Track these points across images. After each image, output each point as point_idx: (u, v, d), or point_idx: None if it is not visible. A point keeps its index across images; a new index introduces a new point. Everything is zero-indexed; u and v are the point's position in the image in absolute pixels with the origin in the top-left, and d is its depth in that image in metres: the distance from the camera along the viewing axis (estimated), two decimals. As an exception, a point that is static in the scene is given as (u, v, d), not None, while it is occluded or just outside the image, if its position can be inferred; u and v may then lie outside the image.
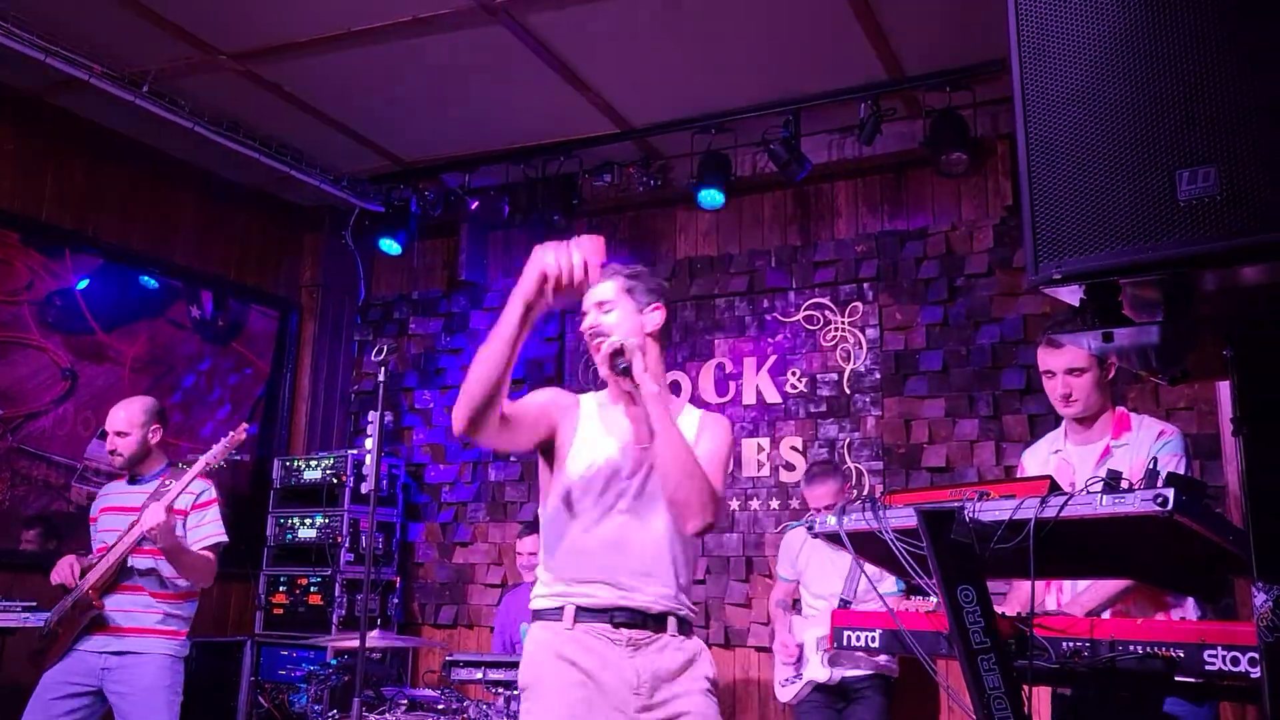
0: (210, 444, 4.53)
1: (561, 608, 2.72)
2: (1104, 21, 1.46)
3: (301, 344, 7.32)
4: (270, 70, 5.59)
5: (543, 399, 2.95)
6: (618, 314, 2.88)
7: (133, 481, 4.54)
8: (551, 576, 2.78)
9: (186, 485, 4.33)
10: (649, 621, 2.70)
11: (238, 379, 6.91)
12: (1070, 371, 3.41)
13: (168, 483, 4.42)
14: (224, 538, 4.52)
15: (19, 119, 5.76)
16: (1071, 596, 3.26)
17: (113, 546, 4.32)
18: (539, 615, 2.78)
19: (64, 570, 4.36)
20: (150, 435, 4.53)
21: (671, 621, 2.73)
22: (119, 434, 4.48)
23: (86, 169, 6.09)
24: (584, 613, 2.69)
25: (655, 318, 2.92)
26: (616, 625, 2.67)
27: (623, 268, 2.99)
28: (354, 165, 6.76)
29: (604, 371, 2.85)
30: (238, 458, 4.60)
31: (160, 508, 4.15)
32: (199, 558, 4.38)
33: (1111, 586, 3.12)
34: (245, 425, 4.52)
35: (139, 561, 4.33)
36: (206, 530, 4.46)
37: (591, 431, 2.86)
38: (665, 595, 2.73)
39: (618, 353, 2.77)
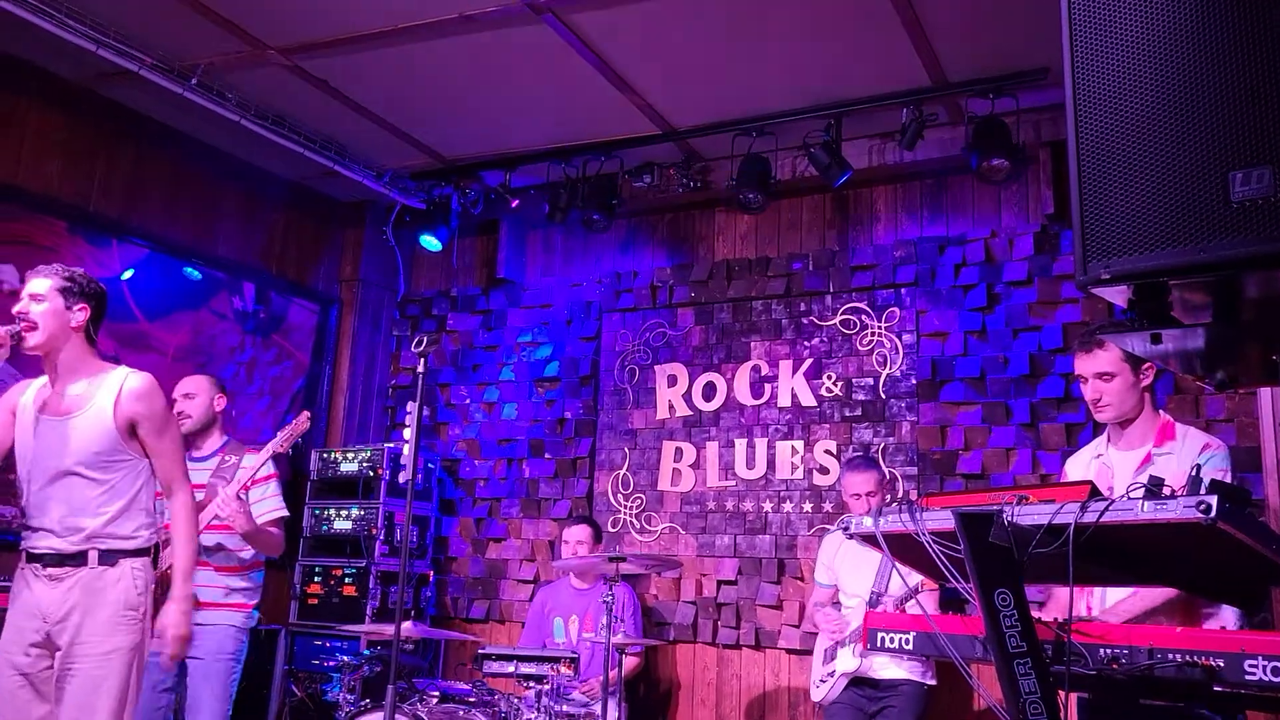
0: (254, 436, 4.67)
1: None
2: (1157, 21, 1.46)
3: (341, 338, 7.38)
4: (317, 65, 5.65)
5: None
6: (47, 308, 3.52)
7: (193, 458, 4.66)
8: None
9: (255, 472, 4.47)
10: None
11: (278, 371, 6.98)
12: (1100, 376, 3.40)
13: (228, 458, 4.57)
14: (284, 511, 4.69)
15: (70, 109, 5.84)
16: (1111, 604, 3.24)
17: None
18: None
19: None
20: (215, 402, 4.75)
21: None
22: (186, 395, 4.70)
23: (134, 160, 6.17)
24: None
25: (80, 317, 3.55)
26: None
27: (59, 271, 3.60)
28: (396, 161, 6.81)
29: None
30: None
31: (231, 497, 4.30)
32: (268, 534, 4.56)
33: (1151, 596, 3.10)
34: (307, 414, 4.64)
35: (204, 538, 4.44)
36: (267, 505, 4.63)
37: None
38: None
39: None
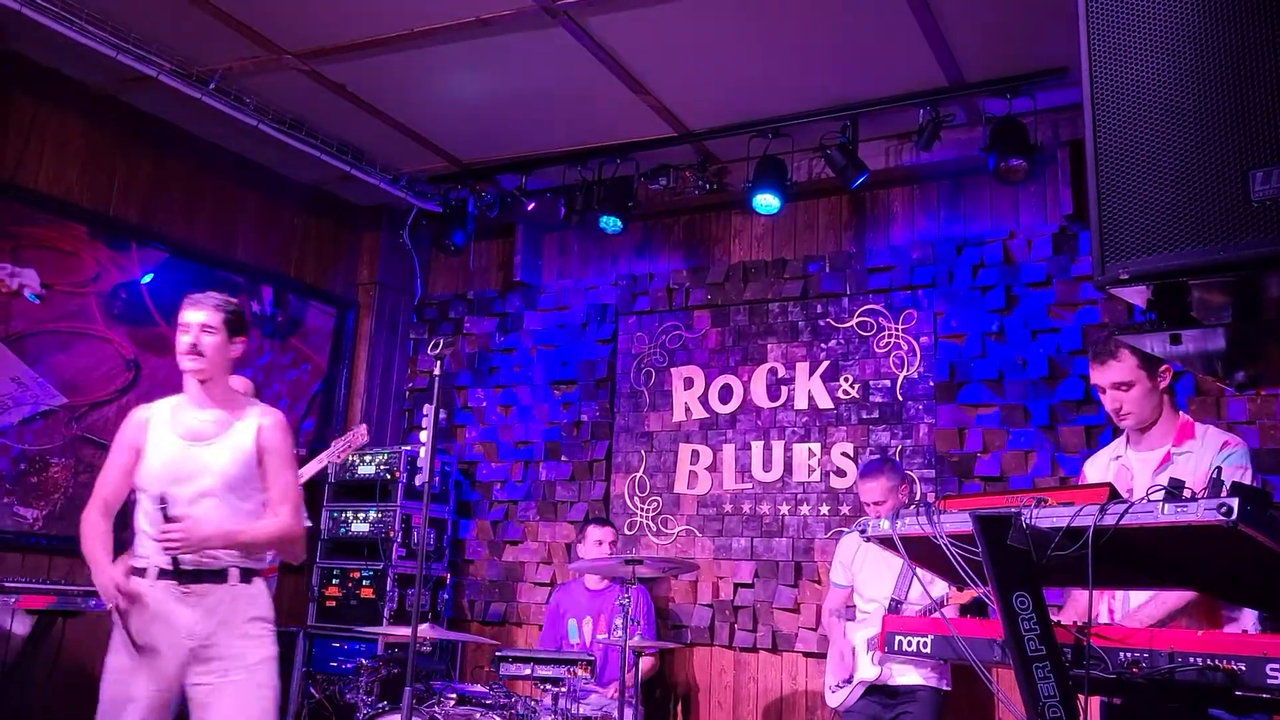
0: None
1: None
2: (1175, 19, 1.45)
3: (358, 341, 7.40)
4: (334, 70, 5.67)
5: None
6: (215, 340, 3.69)
7: None
8: None
9: (305, 478, 4.46)
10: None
11: (295, 374, 7.00)
12: (1118, 386, 3.37)
13: None
14: (307, 522, 4.65)
15: (89, 115, 5.88)
16: (1131, 608, 3.22)
17: None
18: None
19: None
20: None
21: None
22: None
23: (153, 165, 6.21)
24: None
25: (237, 350, 3.77)
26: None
27: (225, 301, 3.76)
28: (413, 165, 6.83)
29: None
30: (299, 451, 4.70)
31: None
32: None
33: (1173, 600, 3.07)
34: (365, 426, 4.63)
35: None
36: None
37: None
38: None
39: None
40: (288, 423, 3.79)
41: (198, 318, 3.62)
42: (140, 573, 3.53)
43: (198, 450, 3.61)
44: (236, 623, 3.54)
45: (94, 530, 3.58)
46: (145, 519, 3.57)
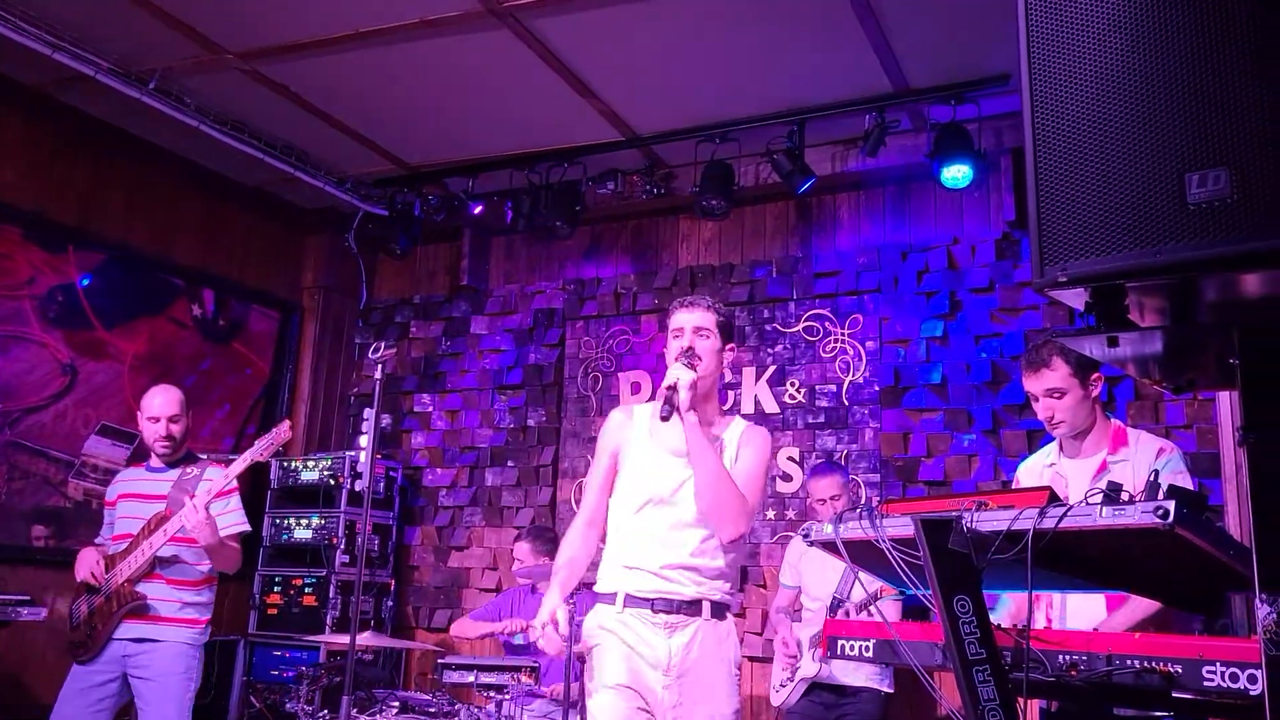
0: (215, 445, 4.56)
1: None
2: (1114, 24, 1.46)
3: (302, 345, 7.31)
4: (276, 70, 5.59)
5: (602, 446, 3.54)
6: (710, 344, 3.32)
7: (151, 469, 4.57)
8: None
9: (228, 481, 4.35)
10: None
11: (238, 379, 6.90)
12: (1050, 393, 3.40)
13: (189, 470, 4.47)
14: (246, 526, 4.59)
15: (26, 115, 5.75)
16: (1071, 612, 3.25)
17: (139, 536, 4.38)
18: None
19: (90, 567, 4.38)
20: (189, 420, 4.64)
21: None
22: (173, 419, 4.54)
23: (91, 166, 6.08)
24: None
25: (729, 357, 3.42)
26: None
27: (717, 303, 3.44)
28: (358, 168, 6.76)
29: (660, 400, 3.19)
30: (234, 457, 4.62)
31: (200, 508, 4.19)
32: (229, 548, 4.45)
33: (1141, 610, 3.09)
34: (288, 423, 4.54)
35: (161, 550, 4.36)
36: (230, 519, 4.50)
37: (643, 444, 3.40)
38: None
39: (672, 388, 3.15)
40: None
41: (695, 321, 3.35)
42: None
43: (681, 466, 3.34)
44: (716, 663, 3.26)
45: None
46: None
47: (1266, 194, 1.31)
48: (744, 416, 6.17)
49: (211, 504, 4.34)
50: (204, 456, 4.80)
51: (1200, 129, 1.36)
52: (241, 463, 4.37)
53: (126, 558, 4.35)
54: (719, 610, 3.23)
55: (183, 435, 4.59)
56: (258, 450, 4.39)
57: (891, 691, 4.80)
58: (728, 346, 3.38)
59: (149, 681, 4.33)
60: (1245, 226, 1.31)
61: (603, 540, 3.45)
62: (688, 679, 3.13)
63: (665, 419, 3.12)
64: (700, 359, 3.25)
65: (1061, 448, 3.54)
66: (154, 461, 4.61)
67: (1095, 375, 3.39)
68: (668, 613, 3.16)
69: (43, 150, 5.84)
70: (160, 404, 4.55)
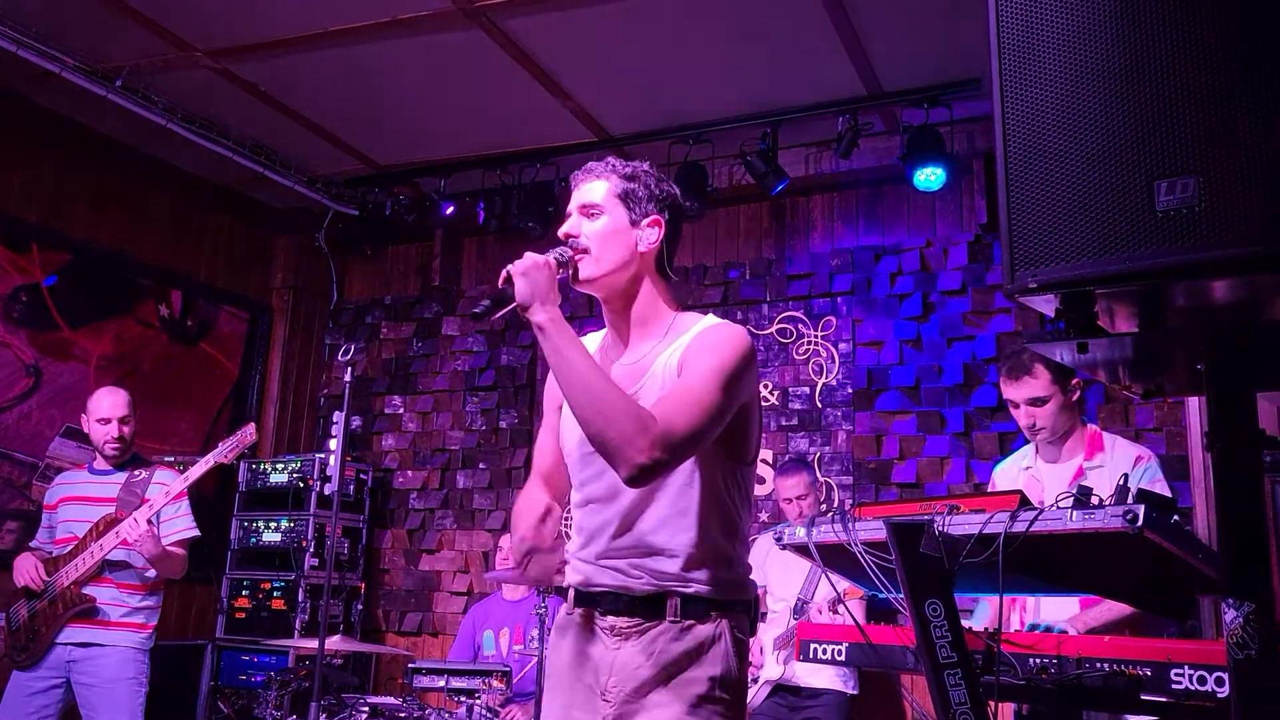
0: (180, 447, 4.51)
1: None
2: (1084, 30, 1.46)
3: (271, 346, 7.25)
4: (246, 69, 5.54)
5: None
6: (602, 227, 2.31)
7: (95, 471, 4.51)
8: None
9: (189, 481, 4.31)
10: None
11: (206, 380, 6.83)
12: (1032, 401, 3.41)
13: (137, 473, 4.42)
14: (195, 532, 4.53)
15: (-11, 111, 5.68)
16: (1044, 615, 3.26)
17: (86, 538, 4.31)
18: None
19: (29, 572, 4.31)
20: (136, 422, 4.60)
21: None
22: (123, 420, 4.50)
23: (57, 164, 6.00)
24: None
25: (651, 234, 2.33)
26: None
27: (620, 165, 2.40)
28: (329, 167, 6.71)
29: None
30: (196, 459, 4.57)
31: (141, 521, 4.15)
32: (173, 556, 4.38)
33: (1117, 609, 3.10)
34: (253, 425, 4.49)
35: (112, 554, 4.31)
36: (178, 525, 4.46)
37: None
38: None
39: (507, 280, 2.18)
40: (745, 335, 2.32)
41: (577, 197, 2.40)
42: None
43: None
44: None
45: None
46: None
47: (1234, 202, 1.31)
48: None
49: (162, 509, 4.31)
50: (154, 459, 4.75)
51: (1169, 136, 1.36)
52: (202, 466, 4.32)
53: (73, 560, 4.28)
54: (696, 608, 2.15)
55: (131, 437, 4.54)
56: (220, 453, 4.35)
57: (855, 693, 4.81)
58: (646, 221, 2.32)
59: (97, 688, 4.27)
60: (1213, 234, 1.32)
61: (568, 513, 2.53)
62: (631, 710, 2.13)
63: (479, 316, 2.21)
64: (586, 250, 2.29)
65: (1038, 451, 3.55)
66: (99, 464, 4.55)
67: (1075, 381, 3.41)
68: (615, 613, 2.21)
69: (7, 149, 5.75)
70: (110, 405, 4.50)
